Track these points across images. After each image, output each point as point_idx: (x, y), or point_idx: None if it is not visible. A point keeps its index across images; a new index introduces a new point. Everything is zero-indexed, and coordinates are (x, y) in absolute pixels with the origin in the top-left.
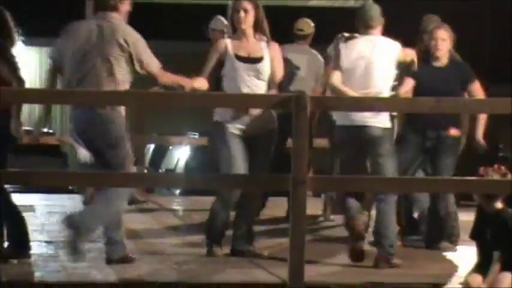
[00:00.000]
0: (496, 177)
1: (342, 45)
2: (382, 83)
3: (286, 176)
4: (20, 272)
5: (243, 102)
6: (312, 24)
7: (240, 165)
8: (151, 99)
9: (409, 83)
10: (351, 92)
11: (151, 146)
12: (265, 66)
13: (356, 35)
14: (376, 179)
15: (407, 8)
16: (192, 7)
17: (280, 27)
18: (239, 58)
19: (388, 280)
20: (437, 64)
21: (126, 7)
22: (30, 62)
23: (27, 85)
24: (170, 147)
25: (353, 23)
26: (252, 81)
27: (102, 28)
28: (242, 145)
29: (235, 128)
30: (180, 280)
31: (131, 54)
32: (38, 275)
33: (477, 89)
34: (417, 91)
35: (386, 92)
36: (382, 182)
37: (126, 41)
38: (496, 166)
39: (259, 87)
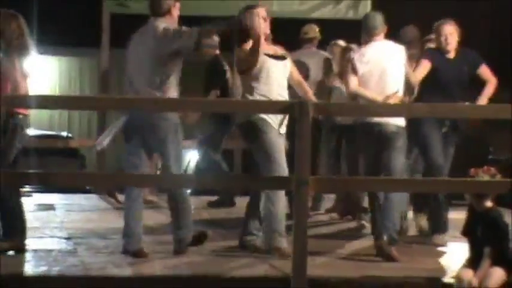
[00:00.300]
0: (486, 178)
1: (353, 54)
2: (397, 83)
3: (290, 177)
4: (39, 266)
5: (249, 108)
6: (317, 29)
7: (283, 158)
8: (163, 105)
9: (426, 66)
10: (373, 95)
11: None
12: (289, 63)
13: (352, 46)
14: (377, 179)
15: (408, 8)
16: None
17: (283, 38)
18: (269, 56)
19: (387, 274)
20: (449, 56)
21: (177, 11)
22: (50, 71)
23: (48, 92)
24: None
25: (352, 33)
26: (280, 78)
27: (142, 33)
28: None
29: (283, 130)
30: (190, 274)
31: (164, 44)
32: (57, 269)
33: (486, 72)
34: (434, 80)
35: (401, 90)
36: (383, 182)
37: (155, 36)
38: (485, 167)
39: (284, 84)
